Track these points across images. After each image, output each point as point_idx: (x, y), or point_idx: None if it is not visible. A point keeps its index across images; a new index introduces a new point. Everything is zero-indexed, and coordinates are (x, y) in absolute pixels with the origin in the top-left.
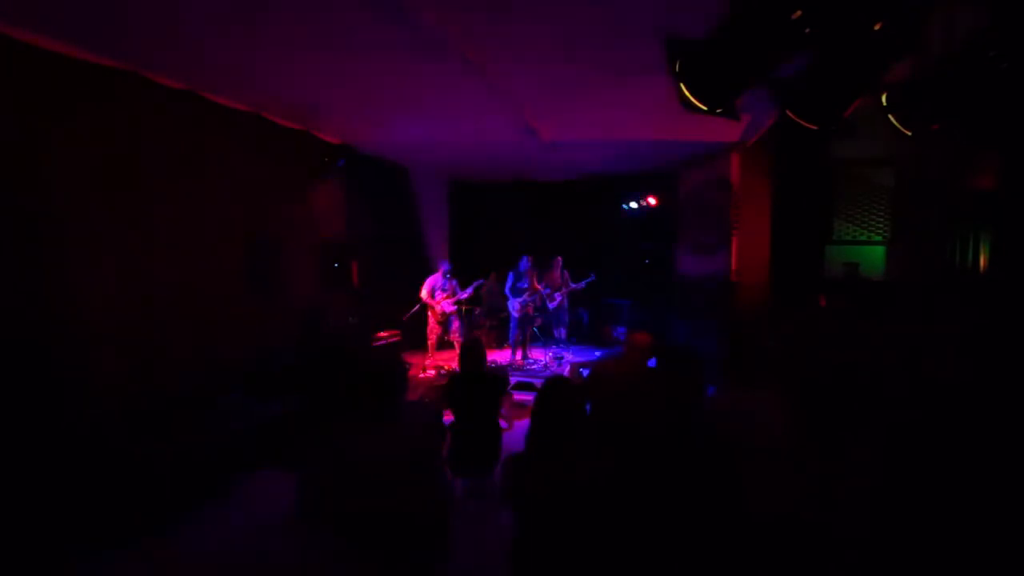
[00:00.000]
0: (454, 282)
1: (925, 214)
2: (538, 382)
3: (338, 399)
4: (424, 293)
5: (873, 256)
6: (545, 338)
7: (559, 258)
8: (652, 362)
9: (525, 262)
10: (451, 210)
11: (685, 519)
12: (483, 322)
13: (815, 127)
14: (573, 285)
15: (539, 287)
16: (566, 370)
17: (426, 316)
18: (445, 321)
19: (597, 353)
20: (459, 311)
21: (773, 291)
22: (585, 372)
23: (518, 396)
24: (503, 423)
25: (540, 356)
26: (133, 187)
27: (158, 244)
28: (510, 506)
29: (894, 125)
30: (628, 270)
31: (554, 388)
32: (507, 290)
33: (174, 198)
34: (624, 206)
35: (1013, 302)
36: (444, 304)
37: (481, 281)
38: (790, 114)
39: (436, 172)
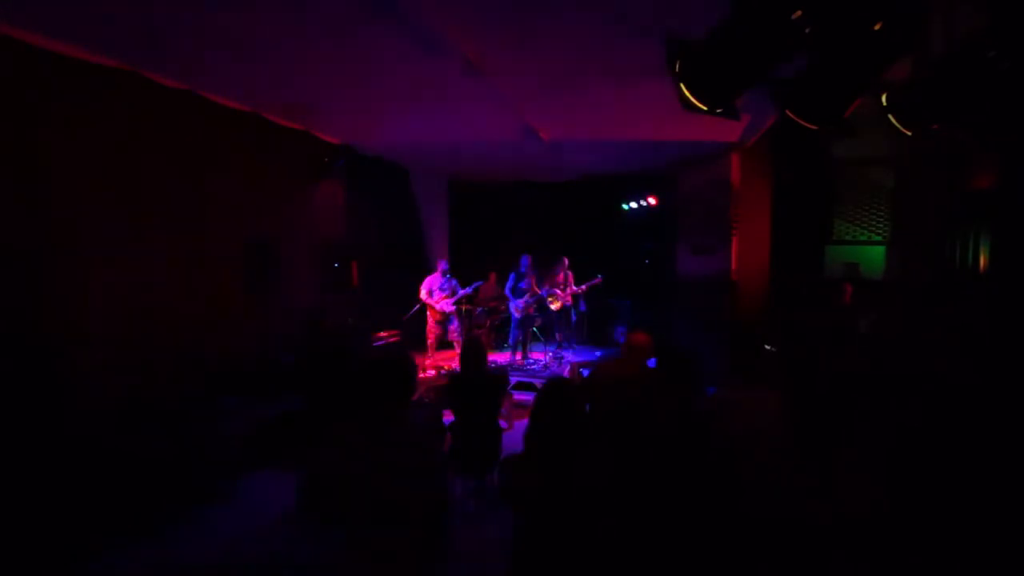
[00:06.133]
0: (453, 281)
1: (925, 214)
2: (538, 382)
3: (338, 399)
4: (423, 293)
5: (873, 256)
6: (545, 338)
7: (565, 259)
8: (652, 362)
9: (525, 262)
10: (451, 210)
11: (684, 519)
12: (483, 322)
13: (815, 127)
14: (576, 288)
15: (539, 290)
16: (566, 370)
17: (426, 316)
18: (444, 321)
19: (597, 353)
20: (459, 311)
21: (773, 291)
22: (585, 372)
23: (518, 396)
24: (503, 423)
25: (540, 356)
26: (132, 187)
27: (157, 244)
28: (509, 506)
29: (894, 125)
30: (628, 270)
31: (554, 388)
32: (507, 290)
33: (173, 198)
34: (624, 206)
35: (1013, 302)
36: (443, 304)
37: (480, 282)
38: (790, 114)
39: (436, 172)
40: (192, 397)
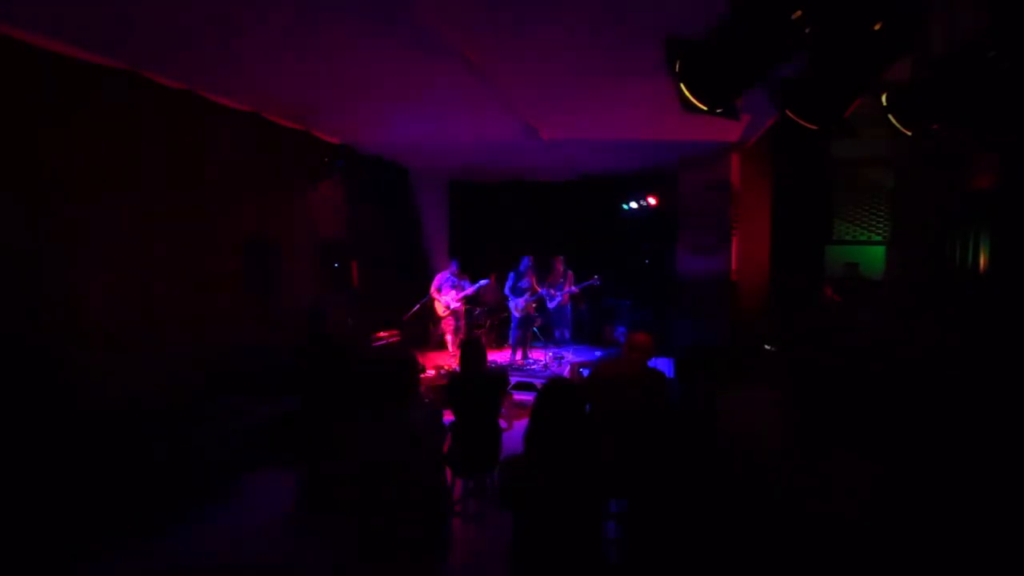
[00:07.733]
0: (464, 280)
1: (925, 214)
2: (538, 382)
3: (338, 399)
4: (432, 288)
5: (873, 256)
6: (545, 338)
7: (560, 258)
8: (652, 362)
9: (526, 262)
10: (451, 210)
11: (685, 519)
12: (483, 322)
13: (815, 127)
14: (574, 287)
15: (540, 288)
16: (566, 370)
17: (431, 314)
18: (451, 318)
19: (597, 353)
20: (464, 310)
21: (773, 291)
22: (585, 372)
23: (518, 396)
24: (503, 423)
25: (540, 356)
26: (132, 187)
27: (157, 244)
28: (509, 506)
29: (894, 125)
30: (628, 270)
31: (554, 388)
32: (507, 290)
33: (173, 198)
34: (624, 206)
35: (1013, 302)
36: (452, 301)
37: (482, 282)
38: (790, 114)
39: (436, 172)
40: (192, 397)
